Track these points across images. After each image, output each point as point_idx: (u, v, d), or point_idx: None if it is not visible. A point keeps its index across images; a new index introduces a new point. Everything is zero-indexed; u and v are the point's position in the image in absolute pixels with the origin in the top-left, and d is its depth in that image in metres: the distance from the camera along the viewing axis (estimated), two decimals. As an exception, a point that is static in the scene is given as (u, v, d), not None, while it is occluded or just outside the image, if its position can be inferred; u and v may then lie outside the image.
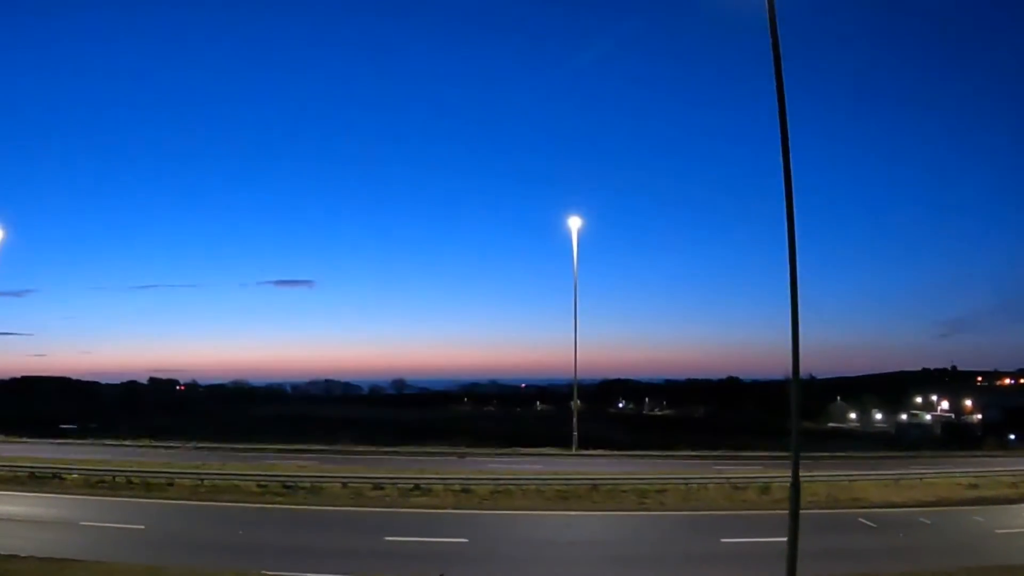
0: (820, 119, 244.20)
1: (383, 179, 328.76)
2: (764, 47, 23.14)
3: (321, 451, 69.63)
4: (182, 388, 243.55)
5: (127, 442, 76.15)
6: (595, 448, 74.57)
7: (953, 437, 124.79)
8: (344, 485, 46.55)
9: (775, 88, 23.45)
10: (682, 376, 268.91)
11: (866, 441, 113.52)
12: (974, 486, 50.92)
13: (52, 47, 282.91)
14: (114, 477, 48.12)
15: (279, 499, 43.59)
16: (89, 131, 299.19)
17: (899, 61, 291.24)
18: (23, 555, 28.88)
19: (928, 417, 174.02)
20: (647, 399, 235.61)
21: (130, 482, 47.30)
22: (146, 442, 75.64)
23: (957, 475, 53.97)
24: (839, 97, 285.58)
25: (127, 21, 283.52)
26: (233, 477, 48.11)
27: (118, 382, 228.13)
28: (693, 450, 77.10)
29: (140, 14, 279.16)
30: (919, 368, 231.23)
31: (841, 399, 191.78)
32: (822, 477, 49.57)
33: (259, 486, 46.24)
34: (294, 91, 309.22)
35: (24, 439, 75.61)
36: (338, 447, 73.42)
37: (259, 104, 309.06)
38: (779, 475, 46.81)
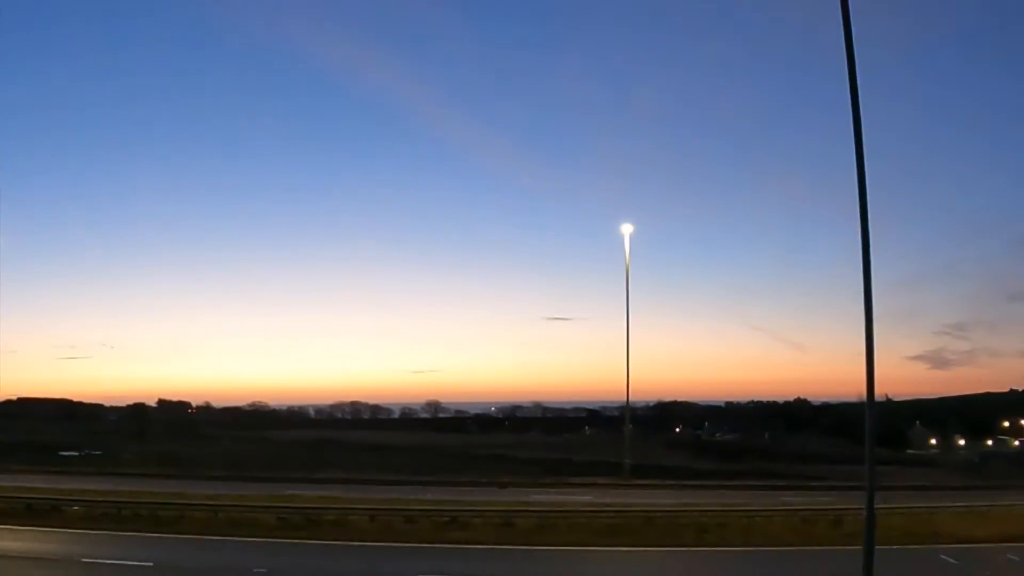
0: (895, 108, 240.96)
1: (408, 184, 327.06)
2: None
3: (347, 480, 69.68)
4: (194, 411, 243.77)
5: (134, 470, 76.54)
6: (650, 477, 74.44)
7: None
8: (372, 518, 46.58)
9: (848, 87, 23.41)
10: (745, 398, 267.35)
11: (948, 469, 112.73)
12: (1070, 519, 50.39)
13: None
14: (119, 509, 48.31)
15: (301, 533, 43.66)
16: (105, 154, 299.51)
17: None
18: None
19: (1016, 443, 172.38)
20: (706, 423, 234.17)
21: (137, 515, 47.49)
22: (155, 470, 76.04)
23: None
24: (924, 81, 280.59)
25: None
26: (250, 509, 48.24)
27: (124, 404, 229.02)
28: (757, 479, 76.87)
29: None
30: (1006, 389, 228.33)
31: (920, 423, 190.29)
32: (899, 509, 49.16)
33: (279, 519, 46.33)
34: (313, 101, 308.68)
35: (21, 467, 75.99)
36: (366, 475, 73.55)
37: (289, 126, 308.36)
38: (852, 506, 46.56)
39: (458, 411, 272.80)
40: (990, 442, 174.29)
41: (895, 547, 39.27)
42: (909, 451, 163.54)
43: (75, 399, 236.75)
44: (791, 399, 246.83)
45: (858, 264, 23.28)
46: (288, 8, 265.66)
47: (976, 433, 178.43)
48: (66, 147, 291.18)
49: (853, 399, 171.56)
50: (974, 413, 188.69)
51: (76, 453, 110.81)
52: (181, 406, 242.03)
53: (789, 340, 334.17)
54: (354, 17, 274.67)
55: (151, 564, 35.74)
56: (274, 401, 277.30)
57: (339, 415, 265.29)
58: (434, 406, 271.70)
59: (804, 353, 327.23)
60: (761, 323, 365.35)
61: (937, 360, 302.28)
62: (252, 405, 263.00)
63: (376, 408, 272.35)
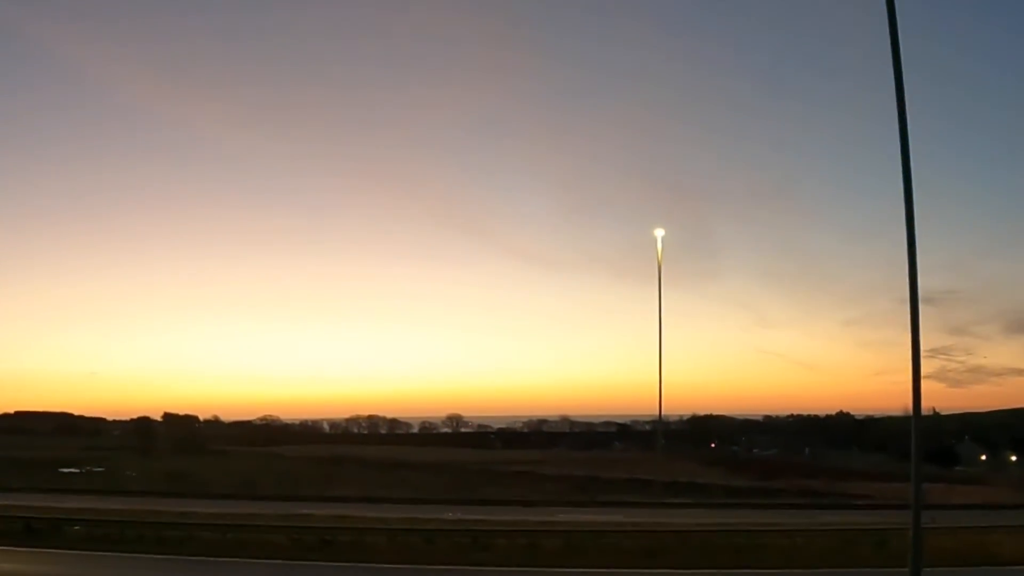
0: (944, 93, 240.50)
1: (416, 187, 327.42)
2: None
3: (363, 498, 69.81)
4: (201, 425, 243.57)
5: (138, 488, 76.71)
6: (683, 495, 74.41)
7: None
8: (390, 538, 46.60)
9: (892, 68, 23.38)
10: (784, 412, 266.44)
11: (999, 487, 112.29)
12: None
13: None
14: (123, 529, 48.35)
15: (315, 555, 43.62)
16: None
17: None
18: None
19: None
20: (743, 438, 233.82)
21: (141, 535, 47.50)
22: (160, 488, 76.21)
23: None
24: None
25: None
26: (261, 529, 48.30)
27: (127, 418, 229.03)
28: (797, 497, 76.84)
29: None
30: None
31: (970, 438, 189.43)
32: (947, 528, 48.98)
33: (291, 539, 46.35)
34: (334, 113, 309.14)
35: (19, 485, 76.15)
36: (383, 493, 73.66)
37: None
38: (898, 526, 46.40)
39: (481, 425, 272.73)
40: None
41: (944, 569, 39.04)
42: (958, 467, 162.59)
43: (76, 413, 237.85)
44: (832, 413, 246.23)
45: (903, 276, 23.28)
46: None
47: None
48: (64, 152, 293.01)
49: (898, 413, 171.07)
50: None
51: (77, 470, 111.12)
52: (188, 420, 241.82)
53: (830, 352, 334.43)
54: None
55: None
56: (286, 415, 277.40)
57: (355, 430, 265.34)
58: (455, 420, 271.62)
59: (844, 366, 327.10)
60: (799, 333, 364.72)
61: (950, 380, 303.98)
62: (263, 419, 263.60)
63: (394, 422, 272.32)
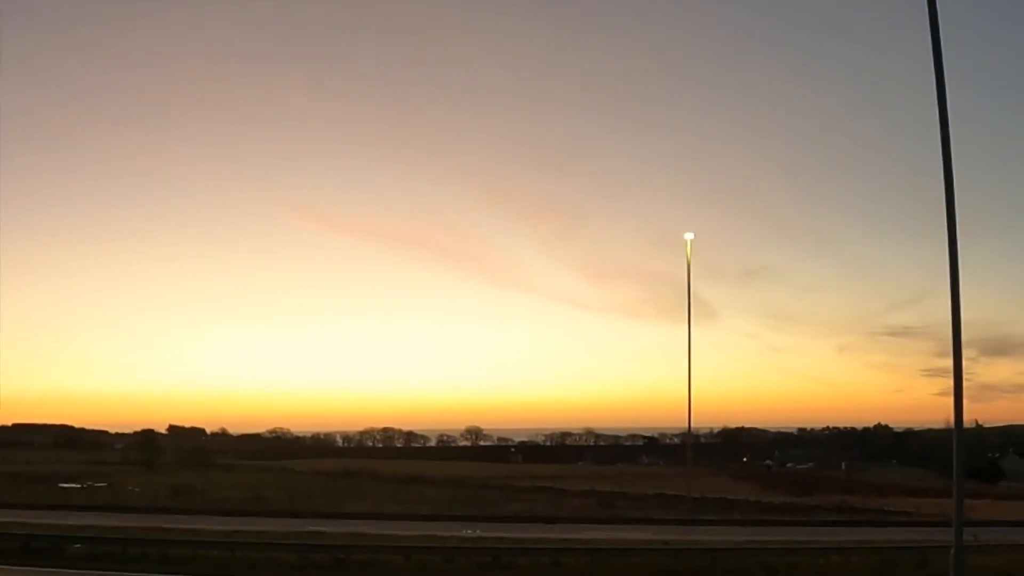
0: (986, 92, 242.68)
1: (430, 196, 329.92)
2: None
3: (378, 515, 69.67)
4: (208, 438, 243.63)
5: (141, 504, 76.72)
6: (713, 511, 74.19)
7: None
8: (407, 557, 46.50)
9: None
10: (819, 424, 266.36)
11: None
12: None
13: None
14: (126, 547, 48.31)
15: (327, 574, 43.63)
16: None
17: None
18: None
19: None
20: (776, 451, 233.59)
21: (145, 554, 47.48)
22: (165, 504, 76.22)
23: None
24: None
25: None
26: (270, 547, 48.23)
27: (130, 431, 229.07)
28: (833, 513, 76.60)
29: None
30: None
31: (1015, 452, 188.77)
32: (991, 546, 48.66)
33: (302, 558, 46.28)
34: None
35: (17, 500, 76.17)
36: (399, 510, 73.61)
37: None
38: (939, 544, 46.20)
39: (501, 438, 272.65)
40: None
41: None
42: (1002, 482, 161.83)
43: (77, 425, 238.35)
44: (870, 425, 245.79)
45: (944, 287, 23.23)
46: None
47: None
48: (65, 153, 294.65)
49: (939, 425, 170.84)
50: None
51: (78, 485, 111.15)
52: (194, 433, 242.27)
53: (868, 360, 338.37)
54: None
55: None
56: (297, 428, 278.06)
57: (369, 443, 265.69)
58: (474, 433, 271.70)
59: (884, 375, 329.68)
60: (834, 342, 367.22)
61: (970, 396, 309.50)
62: (273, 432, 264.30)
63: (410, 435, 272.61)
